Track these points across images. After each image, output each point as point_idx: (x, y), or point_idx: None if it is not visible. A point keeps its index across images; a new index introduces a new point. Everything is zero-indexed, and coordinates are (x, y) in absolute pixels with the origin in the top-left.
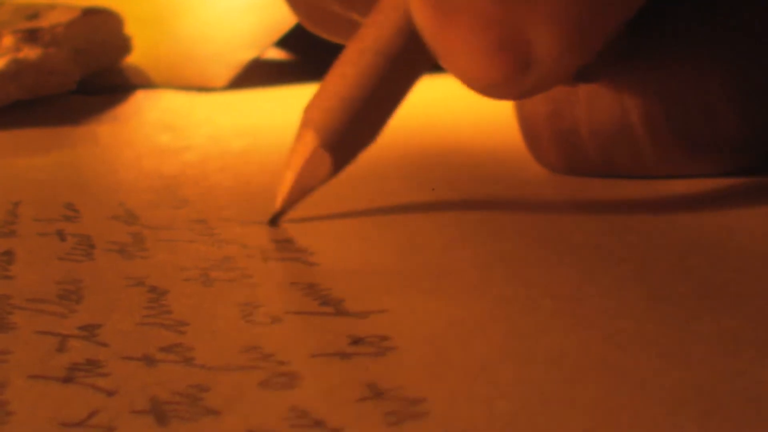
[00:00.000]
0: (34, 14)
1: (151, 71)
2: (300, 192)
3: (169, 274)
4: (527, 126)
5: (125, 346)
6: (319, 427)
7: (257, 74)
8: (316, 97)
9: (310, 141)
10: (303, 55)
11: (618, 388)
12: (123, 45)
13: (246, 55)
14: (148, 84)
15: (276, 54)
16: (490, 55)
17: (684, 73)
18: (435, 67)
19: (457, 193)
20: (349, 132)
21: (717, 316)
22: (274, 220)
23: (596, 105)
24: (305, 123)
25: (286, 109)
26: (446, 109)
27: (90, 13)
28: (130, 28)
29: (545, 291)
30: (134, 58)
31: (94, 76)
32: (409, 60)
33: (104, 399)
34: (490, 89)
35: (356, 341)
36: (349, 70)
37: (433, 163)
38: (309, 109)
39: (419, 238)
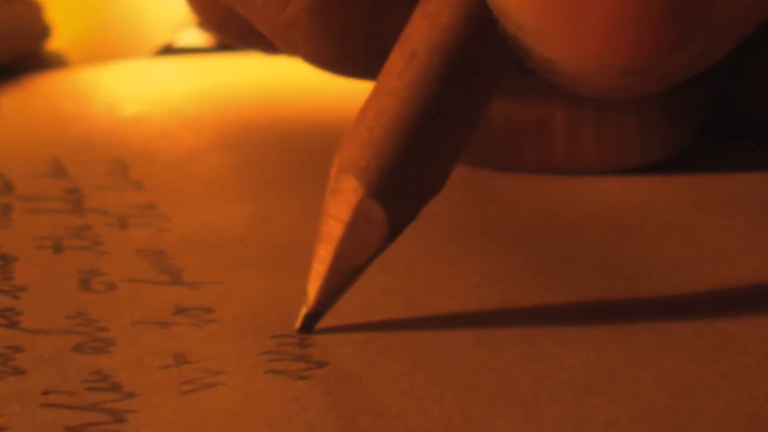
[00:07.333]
0: None
1: (71, 57)
2: (344, 272)
3: (24, 243)
4: None
5: None
6: (114, 390)
7: (175, 53)
8: (353, 130)
9: (352, 192)
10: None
11: (420, 367)
12: (42, 32)
13: (164, 37)
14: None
15: (197, 37)
16: (652, 24)
17: None
18: None
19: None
20: (409, 171)
21: (551, 291)
22: (308, 325)
23: (517, 98)
24: (341, 168)
25: (196, 76)
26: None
27: (7, 1)
28: (54, 15)
29: (381, 267)
30: (56, 45)
31: (11, 62)
32: (482, 56)
33: None
34: (625, 77)
35: (180, 311)
36: (396, 82)
37: (308, 136)
38: (343, 148)
39: (279, 210)
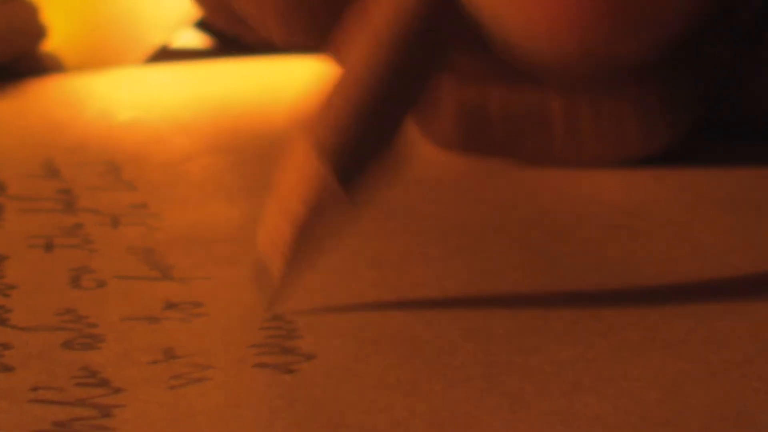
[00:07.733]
0: None
1: (68, 58)
2: (302, 241)
3: (15, 241)
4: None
5: None
6: (102, 386)
7: (172, 55)
8: (312, 101)
9: (305, 156)
10: (223, 39)
11: (408, 361)
12: (38, 33)
13: (161, 38)
14: (63, 70)
15: (194, 38)
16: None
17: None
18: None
19: None
20: (359, 140)
21: (541, 288)
22: (274, 302)
23: (514, 90)
24: (296, 136)
25: (191, 82)
26: None
27: (3, 2)
28: (50, 16)
29: (372, 262)
30: (52, 46)
31: (7, 63)
32: (441, 36)
33: None
34: (581, 60)
35: (170, 306)
36: (355, 58)
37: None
38: (302, 119)
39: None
